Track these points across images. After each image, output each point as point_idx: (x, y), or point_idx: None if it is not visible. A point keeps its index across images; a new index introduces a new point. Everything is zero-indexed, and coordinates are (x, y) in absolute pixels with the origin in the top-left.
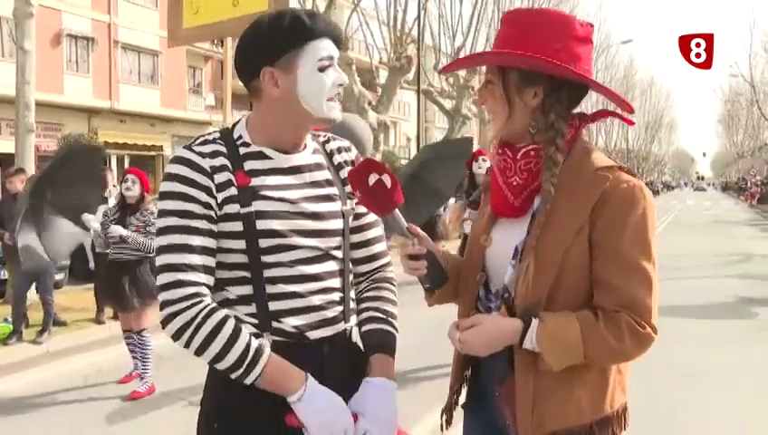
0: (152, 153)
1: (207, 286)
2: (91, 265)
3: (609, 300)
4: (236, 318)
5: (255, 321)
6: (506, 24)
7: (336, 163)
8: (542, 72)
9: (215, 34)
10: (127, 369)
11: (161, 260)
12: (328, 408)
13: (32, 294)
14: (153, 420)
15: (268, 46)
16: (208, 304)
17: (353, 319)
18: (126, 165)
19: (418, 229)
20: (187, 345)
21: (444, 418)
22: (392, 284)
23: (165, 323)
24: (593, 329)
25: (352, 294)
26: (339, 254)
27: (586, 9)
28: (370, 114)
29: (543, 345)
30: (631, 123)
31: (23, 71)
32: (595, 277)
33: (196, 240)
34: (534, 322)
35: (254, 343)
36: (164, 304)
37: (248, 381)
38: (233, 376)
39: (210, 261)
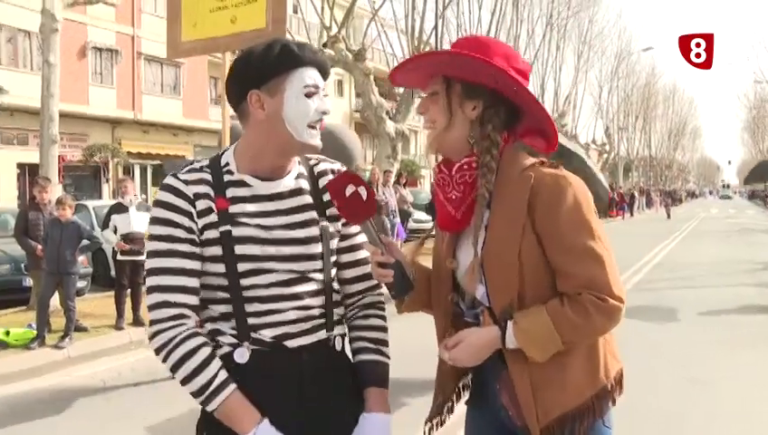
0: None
1: (192, 307)
2: (112, 272)
3: (568, 285)
4: (218, 332)
5: (235, 332)
6: (456, 48)
7: (322, 187)
8: (483, 82)
9: (212, 49)
10: (146, 373)
11: (150, 282)
12: None
13: (54, 301)
14: (172, 423)
15: (257, 71)
16: (189, 328)
17: (338, 329)
18: (149, 174)
19: (389, 239)
20: (164, 361)
21: (427, 426)
22: (381, 308)
23: (151, 338)
24: (562, 316)
25: (340, 309)
26: (319, 276)
27: (606, 17)
28: (388, 123)
29: (522, 343)
30: (549, 150)
31: (47, 84)
32: (552, 267)
33: (181, 263)
34: (509, 324)
35: (221, 376)
36: (152, 323)
37: (208, 408)
38: (196, 400)
39: (194, 282)
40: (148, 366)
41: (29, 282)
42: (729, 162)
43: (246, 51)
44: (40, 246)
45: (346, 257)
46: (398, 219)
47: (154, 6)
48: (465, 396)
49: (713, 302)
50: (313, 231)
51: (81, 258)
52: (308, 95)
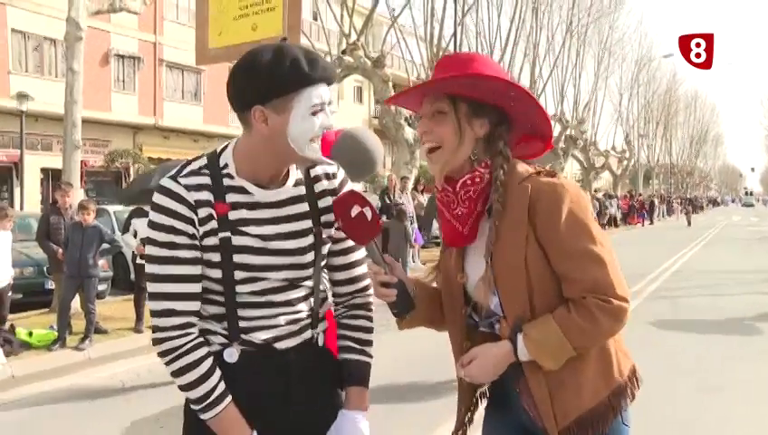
0: None
1: (196, 313)
2: (132, 276)
3: (573, 291)
4: (208, 331)
5: (226, 333)
6: (451, 63)
7: (317, 192)
8: (490, 101)
9: (236, 56)
10: (164, 375)
11: (154, 288)
12: None
13: (75, 304)
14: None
15: (264, 87)
16: (194, 337)
17: (321, 325)
18: None
19: (392, 259)
20: (166, 365)
21: None
22: (369, 310)
23: (154, 344)
24: (569, 322)
25: (323, 309)
26: (309, 283)
27: (627, 23)
28: (407, 130)
29: (535, 354)
30: (545, 150)
31: (71, 90)
32: (557, 274)
33: (184, 269)
34: (519, 337)
35: (220, 388)
36: (156, 329)
37: (203, 417)
38: (192, 407)
39: (197, 287)
40: (165, 368)
41: (51, 285)
42: (752, 169)
43: (250, 58)
44: (61, 250)
45: (338, 260)
46: (415, 225)
47: (176, 14)
48: (483, 404)
49: (730, 310)
50: (308, 240)
51: (101, 262)
52: (314, 113)
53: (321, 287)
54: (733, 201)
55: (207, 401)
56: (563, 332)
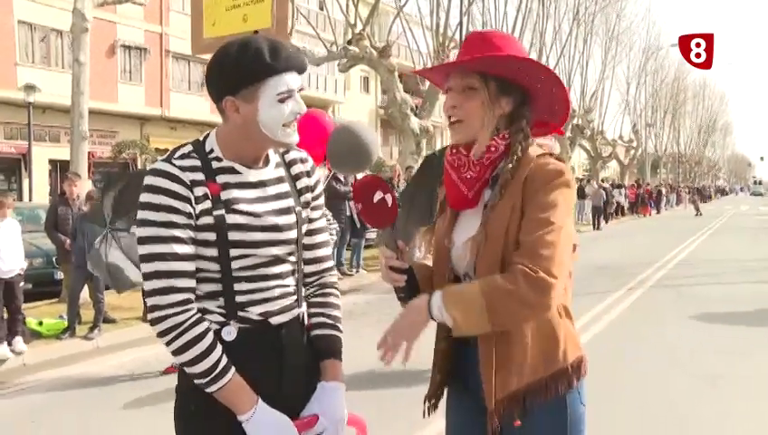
0: None
1: (194, 290)
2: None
3: (515, 256)
4: (205, 310)
5: (223, 311)
6: (482, 41)
7: (294, 174)
8: (520, 81)
9: None
10: (170, 361)
11: (149, 267)
12: (275, 430)
13: (84, 294)
14: None
15: (231, 79)
16: (195, 313)
17: (304, 305)
18: None
19: (403, 245)
20: (167, 345)
21: (427, 405)
22: (336, 288)
23: (153, 323)
24: (491, 282)
25: (303, 289)
26: (293, 258)
27: (634, 11)
28: (413, 120)
29: (446, 303)
30: (561, 133)
31: (77, 82)
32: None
33: (182, 248)
34: (438, 291)
35: (224, 360)
36: (154, 308)
37: (208, 390)
38: (196, 382)
39: (193, 266)
40: (166, 348)
41: (60, 275)
42: (762, 158)
43: (221, 52)
44: (68, 241)
45: (307, 240)
46: None
47: (182, 5)
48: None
49: (735, 299)
50: (292, 218)
51: None
52: (281, 101)
53: (302, 264)
54: (741, 190)
55: (214, 374)
56: (482, 291)
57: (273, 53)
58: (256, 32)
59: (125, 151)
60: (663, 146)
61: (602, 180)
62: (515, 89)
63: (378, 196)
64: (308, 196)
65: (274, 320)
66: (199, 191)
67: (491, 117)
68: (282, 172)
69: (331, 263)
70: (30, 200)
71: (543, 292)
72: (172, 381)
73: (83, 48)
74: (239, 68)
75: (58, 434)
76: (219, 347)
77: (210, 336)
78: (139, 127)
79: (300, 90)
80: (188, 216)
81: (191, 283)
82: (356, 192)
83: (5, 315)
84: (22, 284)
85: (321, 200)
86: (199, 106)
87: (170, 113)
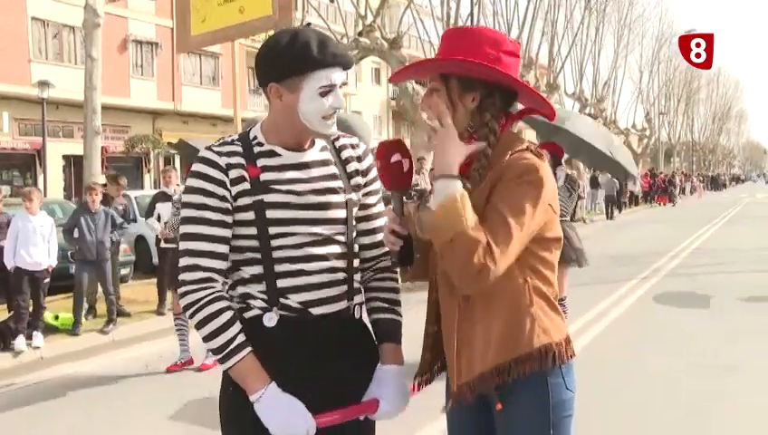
0: None
1: (220, 271)
2: (155, 260)
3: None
4: (249, 295)
5: (265, 297)
6: (446, 40)
7: (344, 158)
8: (476, 77)
9: (222, 39)
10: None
11: (183, 246)
12: (284, 413)
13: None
14: (212, 401)
15: (278, 67)
16: (215, 291)
17: (358, 298)
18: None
19: (410, 214)
20: (191, 318)
21: (417, 380)
22: (395, 272)
23: (180, 297)
24: (480, 235)
25: (359, 276)
26: (342, 238)
27: None
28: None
29: (449, 198)
30: (551, 120)
31: (90, 77)
32: None
33: (212, 230)
34: (460, 185)
35: (239, 338)
36: (181, 283)
37: (223, 367)
38: (215, 357)
39: (223, 248)
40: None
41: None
42: None
43: (273, 39)
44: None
45: (363, 226)
46: None
47: None
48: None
49: (749, 288)
50: (338, 198)
51: (123, 246)
52: (322, 94)
53: (356, 251)
54: (759, 177)
55: (226, 351)
56: (469, 229)
57: (321, 47)
58: (309, 24)
59: (137, 146)
60: (676, 134)
61: None
62: (479, 84)
63: (395, 157)
64: (359, 179)
65: (315, 310)
66: (235, 174)
67: (458, 116)
68: (327, 156)
69: None
70: (45, 196)
71: (482, 279)
72: (188, 373)
73: (96, 43)
74: (286, 58)
75: (71, 428)
76: (236, 326)
77: (228, 314)
78: (152, 121)
79: (342, 85)
80: (222, 199)
81: (217, 263)
82: (379, 150)
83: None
84: (47, 280)
85: (377, 185)
86: (211, 100)
87: (182, 107)
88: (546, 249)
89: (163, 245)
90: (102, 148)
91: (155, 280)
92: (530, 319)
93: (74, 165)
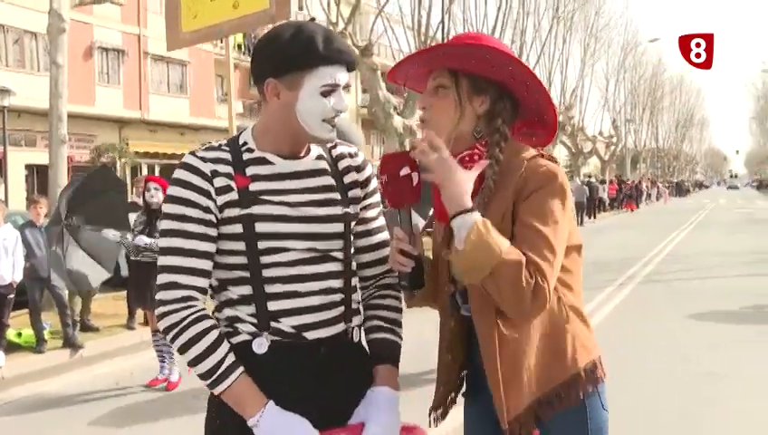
0: None
1: (201, 289)
2: (123, 272)
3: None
4: (237, 318)
5: (255, 320)
6: (460, 39)
7: (341, 168)
8: (494, 77)
9: (215, 36)
10: (156, 372)
11: (161, 261)
12: (288, 432)
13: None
14: (186, 421)
15: (278, 61)
16: (198, 309)
17: (356, 320)
18: (156, 174)
19: (419, 232)
20: (172, 342)
21: (432, 416)
22: (397, 289)
23: (158, 318)
24: (516, 256)
25: (357, 296)
26: (339, 256)
27: (612, 8)
28: (396, 119)
29: (474, 231)
30: (547, 142)
31: (55, 84)
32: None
33: (192, 244)
34: (478, 214)
35: (229, 359)
36: (159, 303)
37: (214, 392)
38: (204, 383)
39: (205, 264)
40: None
41: None
42: (737, 152)
43: (273, 32)
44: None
45: (362, 242)
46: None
47: (159, 6)
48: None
49: (725, 294)
50: (335, 211)
51: None
52: (324, 94)
53: (354, 269)
54: (718, 184)
55: (217, 374)
56: (503, 258)
57: (327, 42)
58: (313, 18)
59: (104, 155)
60: (642, 141)
61: (588, 176)
62: (490, 87)
63: (404, 171)
64: (357, 191)
65: (310, 335)
66: (220, 182)
67: (465, 118)
68: (324, 165)
69: None
70: (6, 206)
71: (540, 303)
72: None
73: (61, 49)
74: (288, 51)
75: None
76: (224, 347)
77: (214, 334)
78: (118, 130)
79: (346, 87)
80: (205, 210)
81: (198, 281)
82: (383, 164)
83: None
84: (11, 296)
85: (377, 198)
86: (179, 108)
87: (149, 116)
88: (570, 258)
89: (133, 257)
90: (68, 157)
91: (124, 293)
92: (570, 338)
93: (38, 175)
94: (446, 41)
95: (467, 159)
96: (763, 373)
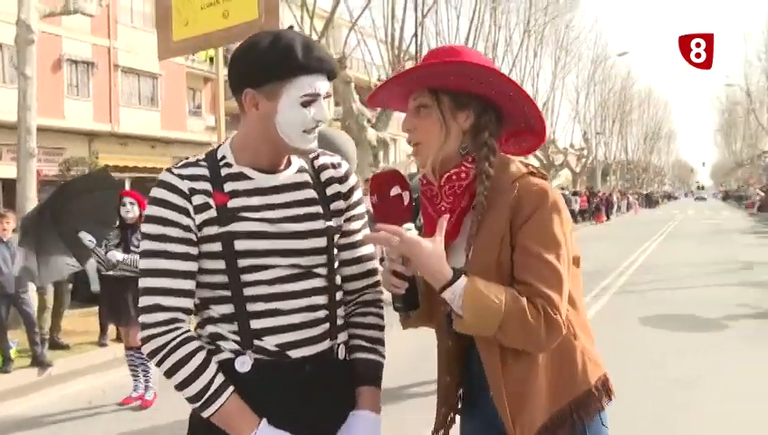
0: (153, 175)
1: (186, 310)
2: (94, 287)
3: (525, 293)
4: (219, 336)
5: (238, 338)
6: (437, 55)
7: (323, 180)
8: (474, 90)
9: (205, 45)
10: (129, 390)
11: (142, 283)
12: None
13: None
14: None
15: (256, 71)
16: (183, 332)
17: (341, 336)
18: (127, 187)
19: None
20: (158, 366)
21: None
22: (380, 306)
23: (143, 342)
24: (516, 301)
25: (341, 311)
26: (323, 271)
27: (582, 23)
28: (370, 132)
29: (467, 298)
30: (537, 145)
31: (24, 96)
32: (515, 274)
33: (173, 264)
34: (464, 277)
35: (217, 381)
36: (143, 326)
37: (205, 414)
38: (192, 407)
39: (188, 284)
40: (131, 382)
41: None
42: (703, 164)
43: (249, 42)
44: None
45: (346, 255)
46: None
47: (130, 18)
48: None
49: (698, 303)
50: (318, 225)
51: None
52: (304, 104)
53: (338, 283)
54: (686, 195)
55: (206, 397)
56: (505, 309)
57: (306, 51)
58: (291, 27)
59: (73, 169)
60: (612, 154)
61: (562, 188)
62: (473, 101)
63: (395, 191)
64: (340, 203)
65: (295, 353)
66: (199, 200)
67: (452, 134)
68: (305, 178)
69: (376, 278)
70: None
71: (555, 335)
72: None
73: (29, 61)
74: (266, 60)
75: None
76: (212, 368)
77: (201, 356)
78: (88, 143)
79: (327, 96)
80: (185, 228)
81: (181, 302)
82: (373, 184)
83: None
84: None
85: (361, 209)
86: (150, 121)
87: (120, 129)
88: (570, 272)
89: (104, 272)
90: (36, 171)
91: (94, 309)
92: (580, 353)
93: (4, 189)
94: (419, 54)
95: (454, 177)
96: (734, 378)
